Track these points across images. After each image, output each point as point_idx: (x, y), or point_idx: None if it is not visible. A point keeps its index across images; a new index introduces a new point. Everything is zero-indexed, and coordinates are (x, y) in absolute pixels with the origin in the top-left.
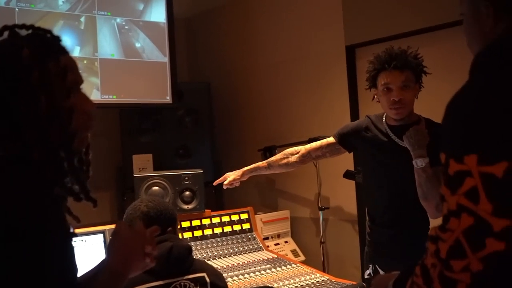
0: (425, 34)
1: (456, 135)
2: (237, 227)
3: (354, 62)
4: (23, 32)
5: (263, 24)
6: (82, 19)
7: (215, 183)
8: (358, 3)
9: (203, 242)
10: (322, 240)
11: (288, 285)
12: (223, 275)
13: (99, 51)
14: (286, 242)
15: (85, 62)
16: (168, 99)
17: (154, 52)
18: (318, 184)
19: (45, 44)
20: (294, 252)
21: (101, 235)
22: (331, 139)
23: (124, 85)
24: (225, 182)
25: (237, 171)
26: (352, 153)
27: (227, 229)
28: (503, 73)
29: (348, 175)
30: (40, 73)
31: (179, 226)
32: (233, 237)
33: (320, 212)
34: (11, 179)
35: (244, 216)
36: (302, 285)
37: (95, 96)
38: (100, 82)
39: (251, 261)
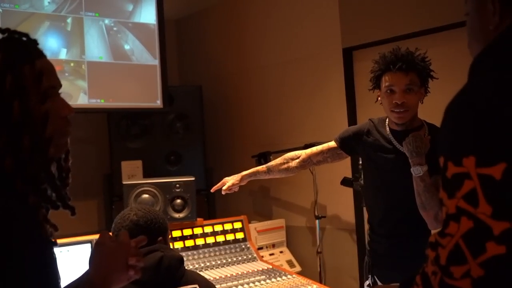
0: (423, 37)
1: (454, 138)
2: (230, 237)
3: (351, 65)
4: None
5: (257, 25)
6: (69, 20)
7: (213, 190)
8: (355, 5)
9: (195, 252)
10: (318, 250)
11: None
12: (216, 286)
13: (87, 53)
14: (281, 252)
15: (72, 65)
16: (158, 103)
17: (143, 54)
18: (315, 192)
19: (20, 47)
20: (289, 262)
21: (88, 245)
22: (332, 144)
23: (112, 89)
24: (223, 188)
25: (236, 175)
26: (349, 160)
27: (220, 238)
28: (503, 75)
29: (345, 182)
30: (14, 77)
31: (170, 236)
32: (226, 247)
33: (317, 221)
34: None
35: (237, 225)
36: None
37: (82, 100)
38: (87, 86)
39: (245, 272)
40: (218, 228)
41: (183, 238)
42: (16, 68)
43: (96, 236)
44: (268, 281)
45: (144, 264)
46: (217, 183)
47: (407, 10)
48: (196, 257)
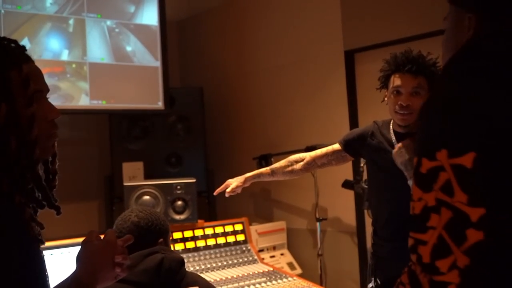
0: (425, 40)
1: (426, 136)
2: (231, 239)
3: (353, 67)
4: None
5: (259, 27)
6: (71, 21)
7: (216, 192)
8: (357, 7)
9: (195, 254)
10: (319, 253)
11: None
12: None
13: (88, 54)
14: (282, 254)
15: (73, 66)
16: (159, 104)
17: (145, 56)
18: (316, 194)
19: (8, 52)
20: (290, 264)
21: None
22: (336, 146)
23: (114, 90)
24: (227, 190)
25: (239, 177)
26: (351, 162)
27: (221, 240)
28: (464, 76)
29: (347, 184)
30: (1, 81)
31: (170, 238)
32: (227, 249)
33: (318, 223)
34: None
35: (238, 227)
36: None
37: (83, 101)
38: (89, 87)
39: (245, 274)
40: (219, 230)
41: (184, 240)
42: (3, 72)
43: None
44: (268, 283)
45: (145, 266)
46: (218, 185)
47: (409, 13)
48: (197, 259)
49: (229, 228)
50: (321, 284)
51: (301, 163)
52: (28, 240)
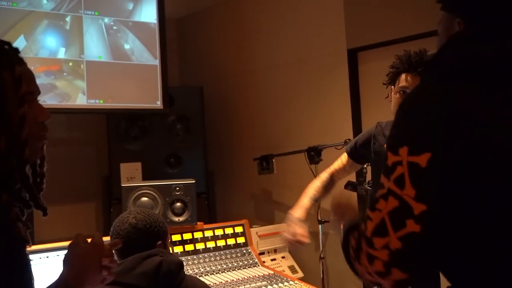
0: (429, 38)
1: (395, 132)
2: (231, 241)
3: (356, 66)
4: None
5: (260, 25)
6: (68, 18)
7: (290, 249)
8: (360, 5)
9: (194, 257)
10: (321, 256)
11: None
12: None
13: (86, 52)
14: (283, 257)
15: (70, 64)
16: (158, 104)
17: (144, 54)
18: None
19: (1, 53)
20: (291, 268)
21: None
22: (345, 157)
23: (111, 89)
24: (298, 239)
25: (297, 222)
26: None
27: (221, 243)
28: (432, 81)
29: (349, 186)
30: None
31: (169, 240)
32: (227, 251)
33: (320, 226)
34: None
35: (238, 229)
36: None
37: (80, 100)
38: (86, 86)
39: (246, 277)
40: (218, 232)
41: (182, 242)
42: None
43: None
44: (269, 287)
45: (143, 269)
46: (218, 186)
47: (413, 11)
48: (196, 262)
49: (229, 231)
50: None
51: (329, 181)
52: (12, 240)
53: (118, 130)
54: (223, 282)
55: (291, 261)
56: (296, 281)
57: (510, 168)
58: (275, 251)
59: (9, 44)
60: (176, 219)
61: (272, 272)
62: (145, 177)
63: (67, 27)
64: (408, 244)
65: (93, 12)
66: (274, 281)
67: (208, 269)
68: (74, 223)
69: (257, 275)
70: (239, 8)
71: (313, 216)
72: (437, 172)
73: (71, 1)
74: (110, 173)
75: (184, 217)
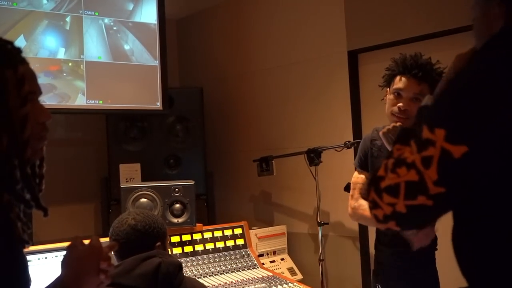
0: (429, 40)
1: (437, 108)
2: (230, 243)
3: (356, 67)
4: None
5: (260, 26)
6: (68, 19)
7: None
8: (361, 7)
9: (193, 259)
10: (321, 258)
11: None
12: None
13: (85, 53)
14: (282, 259)
15: (70, 64)
16: (158, 105)
17: (144, 55)
18: (317, 198)
19: (5, 52)
20: (291, 270)
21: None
22: (362, 175)
23: (111, 90)
24: None
25: None
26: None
27: (220, 244)
28: (489, 70)
29: (348, 188)
30: None
31: (168, 241)
32: (226, 253)
33: (319, 228)
34: None
35: (238, 231)
36: None
37: (80, 101)
38: (85, 86)
39: (245, 279)
40: (218, 233)
41: (181, 243)
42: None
43: None
44: None
45: (142, 270)
46: (217, 187)
47: (413, 13)
48: (195, 263)
49: (228, 232)
50: None
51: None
52: (11, 240)
53: (117, 131)
54: (222, 284)
55: (290, 263)
56: (295, 283)
57: None
58: (274, 253)
59: (11, 43)
60: (175, 220)
61: (271, 274)
62: (144, 178)
63: (67, 27)
64: (413, 212)
65: (93, 13)
66: (273, 283)
67: (207, 270)
68: (73, 224)
69: (256, 277)
70: (239, 9)
71: (313, 218)
72: (469, 167)
73: (71, 1)
74: (109, 174)
75: (183, 218)
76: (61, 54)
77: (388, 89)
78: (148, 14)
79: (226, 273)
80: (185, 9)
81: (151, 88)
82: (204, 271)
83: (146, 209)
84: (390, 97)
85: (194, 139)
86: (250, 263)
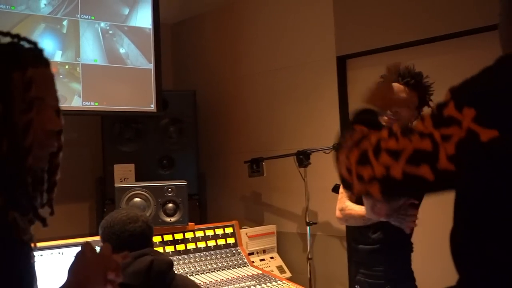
0: (416, 47)
1: (470, 85)
2: (221, 242)
3: (345, 72)
4: (7, 40)
5: (252, 32)
6: (65, 22)
7: None
8: (350, 14)
9: (185, 257)
10: (309, 256)
11: None
12: None
13: (82, 56)
14: (272, 257)
15: (66, 67)
16: (152, 107)
17: (139, 58)
18: (306, 198)
19: (17, 53)
20: (280, 268)
21: (80, 248)
22: None
23: (106, 92)
24: None
25: None
26: None
27: (211, 243)
28: None
29: (336, 189)
30: (1, 80)
31: (160, 240)
32: (217, 251)
33: (308, 227)
34: None
35: (228, 230)
36: None
37: (76, 102)
38: (81, 88)
39: (235, 277)
40: (209, 232)
41: (174, 242)
42: (5, 72)
43: (89, 239)
44: (258, 286)
45: (135, 268)
46: (209, 188)
47: (401, 20)
48: (187, 261)
49: (219, 231)
50: None
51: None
52: (8, 243)
53: (112, 132)
54: (213, 281)
55: (279, 262)
56: (284, 281)
57: None
58: (264, 251)
59: (34, 43)
60: (168, 219)
61: (261, 272)
62: (138, 178)
63: (64, 31)
64: (408, 181)
65: (89, 17)
66: (263, 280)
67: (198, 268)
68: (68, 223)
69: (246, 275)
70: (231, 15)
71: (302, 218)
72: (494, 154)
73: (68, 5)
74: (104, 174)
75: (175, 217)
76: (58, 57)
77: None
78: (143, 19)
79: (217, 271)
80: (179, 15)
81: (146, 90)
82: (196, 269)
83: (139, 209)
84: None
85: (187, 140)
86: (240, 261)
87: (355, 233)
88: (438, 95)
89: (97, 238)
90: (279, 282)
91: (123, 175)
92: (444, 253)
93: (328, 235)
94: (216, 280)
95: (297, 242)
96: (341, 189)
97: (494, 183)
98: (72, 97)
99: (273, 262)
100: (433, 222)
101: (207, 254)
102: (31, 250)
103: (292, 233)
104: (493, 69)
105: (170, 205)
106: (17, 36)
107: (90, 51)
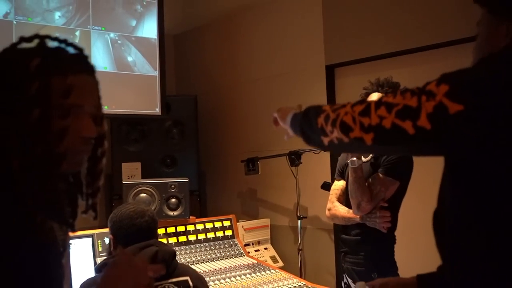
0: (402, 56)
1: (458, 71)
2: (219, 234)
3: (333, 81)
4: (55, 44)
5: (248, 42)
6: (77, 33)
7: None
8: (338, 24)
9: (187, 247)
10: (299, 248)
11: None
12: (206, 279)
13: (93, 63)
14: (266, 248)
15: None
16: (157, 110)
17: (145, 66)
18: (297, 195)
19: (60, 58)
20: (273, 258)
21: (90, 239)
22: (340, 183)
23: (115, 97)
24: None
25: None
26: (329, 166)
27: (210, 235)
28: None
29: (325, 186)
30: (40, 85)
31: (164, 232)
32: (216, 243)
33: (299, 221)
34: None
35: (226, 223)
36: None
37: None
38: None
39: (232, 266)
40: (209, 225)
41: (176, 234)
42: (46, 76)
43: (98, 231)
44: (253, 274)
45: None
46: (209, 184)
47: (387, 30)
48: (188, 251)
49: (218, 224)
50: (300, 276)
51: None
52: (36, 245)
53: (120, 133)
54: (212, 270)
55: (272, 252)
56: (277, 270)
57: None
58: (258, 243)
59: (80, 49)
60: (171, 213)
61: (256, 262)
62: (143, 176)
63: (77, 41)
64: (394, 131)
65: (100, 28)
66: (257, 269)
67: (199, 258)
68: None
69: (242, 264)
70: (229, 27)
71: (293, 212)
72: (458, 127)
73: (80, 17)
74: (112, 171)
75: (178, 211)
76: None
77: None
78: (149, 30)
79: (216, 260)
80: (182, 26)
81: (151, 95)
82: (196, 258)
83: (145, 203)
84: None
85: (189, 141)
86: (237, 252)
87: (341, 226)
88: None
89: (106, 230)
90: (272, 271)
91: (130, 172)
92: (427, 245)
93: (317, 228)
94: (215, 269)
95: (289, 234)
96: (332, 190)
97: (463, 155)
98: None
99: (267, 253)
100: (415, 217)
101: (207, 245)
102: (63, 250)
103: (284, 226)
104: (481, 62)
105: (173, 200)
106: (64, 41)
107: (101, 59)
